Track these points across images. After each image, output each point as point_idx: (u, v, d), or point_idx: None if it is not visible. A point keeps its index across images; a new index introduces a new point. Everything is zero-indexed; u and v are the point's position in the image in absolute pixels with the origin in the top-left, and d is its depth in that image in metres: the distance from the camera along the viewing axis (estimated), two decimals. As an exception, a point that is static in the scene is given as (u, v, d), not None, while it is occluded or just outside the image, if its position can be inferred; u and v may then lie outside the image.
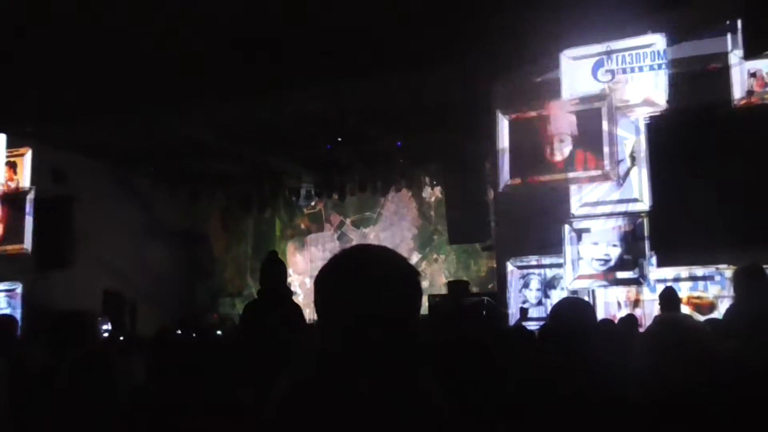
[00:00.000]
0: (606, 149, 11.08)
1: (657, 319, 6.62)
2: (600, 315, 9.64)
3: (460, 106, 11.81)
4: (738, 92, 10.81)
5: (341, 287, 1.72)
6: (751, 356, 3.85)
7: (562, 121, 11.29)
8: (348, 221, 18.27)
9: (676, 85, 10.97)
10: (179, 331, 8.67)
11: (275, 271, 6.10)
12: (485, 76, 11.56)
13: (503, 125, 11.63)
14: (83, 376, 3.66)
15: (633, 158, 11.27)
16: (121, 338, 10.32)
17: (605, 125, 11.10)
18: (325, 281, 1.75)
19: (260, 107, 11.51)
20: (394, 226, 17.87)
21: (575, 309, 3.64)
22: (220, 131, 12.52)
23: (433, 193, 17.33)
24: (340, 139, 12.61)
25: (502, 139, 11.63)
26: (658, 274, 10.85)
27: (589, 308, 3.83)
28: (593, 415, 3.02)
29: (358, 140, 12.54)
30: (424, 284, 12.02)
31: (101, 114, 11.57)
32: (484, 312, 11.35)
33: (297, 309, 5.93)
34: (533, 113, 11.53)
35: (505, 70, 11.58)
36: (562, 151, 11.29)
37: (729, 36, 10.82)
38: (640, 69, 11.21)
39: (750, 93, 10.75)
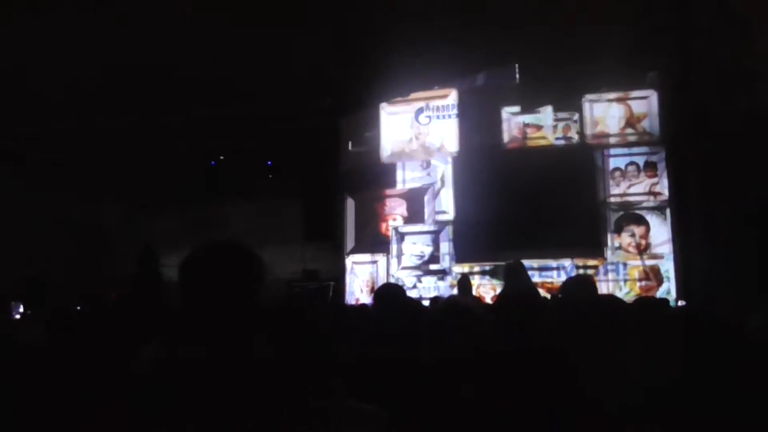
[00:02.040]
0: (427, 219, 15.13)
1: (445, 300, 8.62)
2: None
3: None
4: (507, 137, 14.80)
5: (192, 274, 2.18)
6: (501, 326, 4.25)
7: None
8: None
9: (465, 130, 15.05)
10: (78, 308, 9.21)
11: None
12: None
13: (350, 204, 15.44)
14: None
15: (443, 181, 15.14)
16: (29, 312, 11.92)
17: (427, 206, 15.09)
18: (183, 270, 2.19)
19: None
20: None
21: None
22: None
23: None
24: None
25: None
26: (457, 267, 14.49)
27: None
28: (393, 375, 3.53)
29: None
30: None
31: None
32: (330, 293, 15.07)
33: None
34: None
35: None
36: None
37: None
38: (447, 116, 15.28)
39: (522, 138, 14.84)
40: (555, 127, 14.83)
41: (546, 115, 14.88)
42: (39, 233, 15.99)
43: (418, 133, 15.47)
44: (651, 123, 14.48)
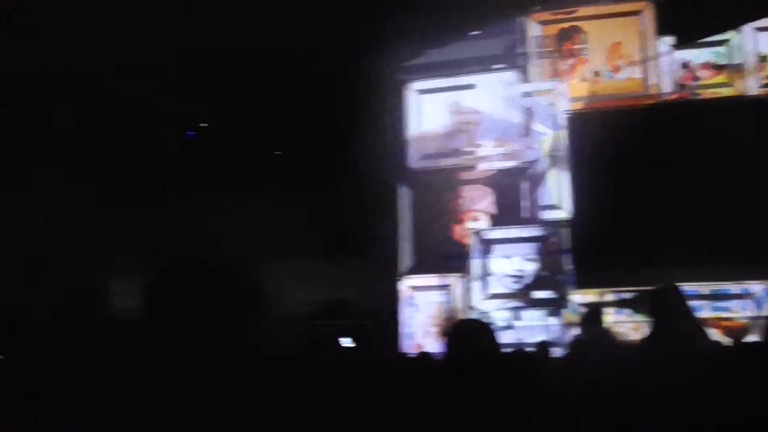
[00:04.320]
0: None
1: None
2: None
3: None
4: (664, 85, 10.77)
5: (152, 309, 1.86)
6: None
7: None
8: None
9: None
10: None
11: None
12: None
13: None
14: None
15: (552, 158, 10.91)
16: None
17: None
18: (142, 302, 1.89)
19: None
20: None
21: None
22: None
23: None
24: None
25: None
26: (578, 295, 10.41)
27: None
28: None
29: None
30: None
31: None
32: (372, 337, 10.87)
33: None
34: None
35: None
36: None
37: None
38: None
39: (691, 85, 10.63)
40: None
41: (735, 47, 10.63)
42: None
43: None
44: None
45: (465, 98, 11.45)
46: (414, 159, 11.54)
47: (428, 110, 11.60)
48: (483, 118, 11.30)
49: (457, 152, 11.35)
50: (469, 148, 11.41)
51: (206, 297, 1.86)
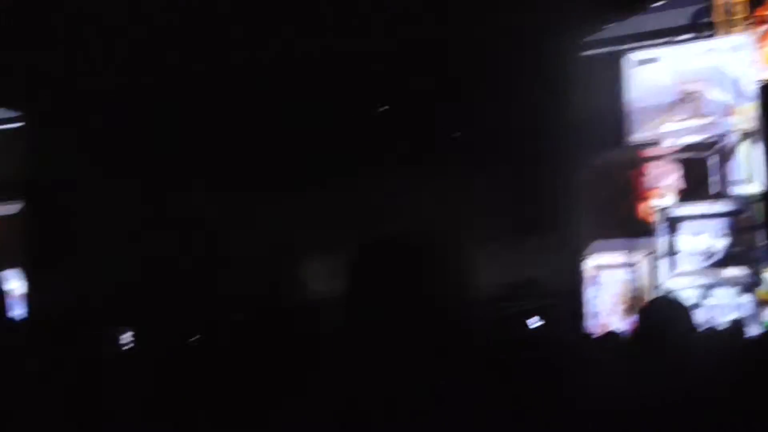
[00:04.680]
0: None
1: None
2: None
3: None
4: None
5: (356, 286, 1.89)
6: None
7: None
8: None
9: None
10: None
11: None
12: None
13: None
14: None
15: (745, 132, 10.43)
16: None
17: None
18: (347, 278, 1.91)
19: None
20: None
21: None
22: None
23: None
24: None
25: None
26: None
27: None
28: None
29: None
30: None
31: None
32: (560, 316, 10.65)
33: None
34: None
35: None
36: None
37: None
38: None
39: None
40: None
41: None
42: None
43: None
44: None
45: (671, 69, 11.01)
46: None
47: (638, 82, 11.24)
48: (701, 87, 10.86)
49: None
50: (687, 120, 10.92)
51: (408, 274, 1.83)
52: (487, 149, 11.35)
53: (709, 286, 10.43)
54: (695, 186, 10.69)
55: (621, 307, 10.82)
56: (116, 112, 11.58)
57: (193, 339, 7.20)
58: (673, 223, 10.72)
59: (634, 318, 3.79)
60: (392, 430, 1.71)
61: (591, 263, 11.20)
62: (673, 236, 10.74)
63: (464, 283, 1.87)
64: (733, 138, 10.48)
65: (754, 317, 9.61)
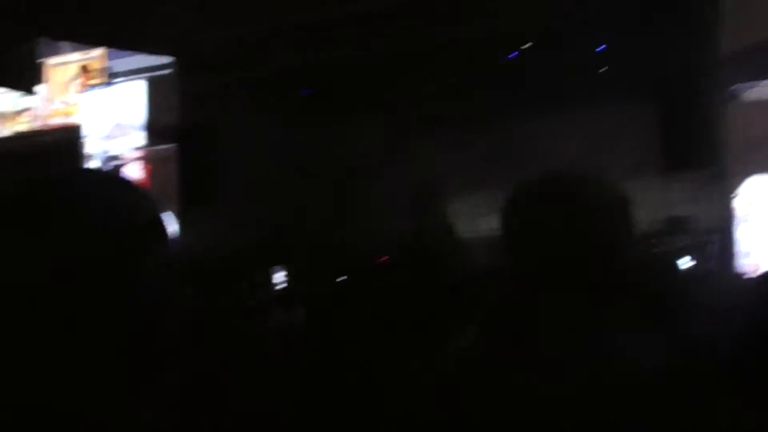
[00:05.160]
0: None
1: None
2: None
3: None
4: None
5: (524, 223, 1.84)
6: None
7: None
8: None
9: None
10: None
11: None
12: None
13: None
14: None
15: None
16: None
17: None
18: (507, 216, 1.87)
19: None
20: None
21: None
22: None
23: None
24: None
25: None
26: None
27: None
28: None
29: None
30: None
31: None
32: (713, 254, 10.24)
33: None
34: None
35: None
36: None
37: None
38: None
39: None
40: None
41: None
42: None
43: None
44: None
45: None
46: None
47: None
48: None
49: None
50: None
51: (563, 213, 1.83)
52: (636, 84, 10.96)
53: None
54: None
55: (775, 246, 10.19)
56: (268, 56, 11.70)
57: (341, 279, 7.45)
58: None
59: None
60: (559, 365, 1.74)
61: (744, 200, 10.56)
62: None
63: (620, 221, 1.90)
64: None
65: None
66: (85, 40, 12.18)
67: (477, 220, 10.18)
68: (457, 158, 11.62)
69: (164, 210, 1.36)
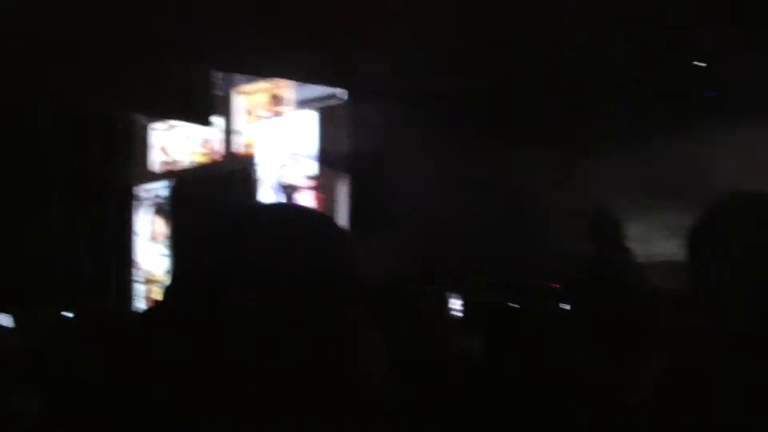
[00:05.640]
0: None
1: None
2: None
3: None
4: None
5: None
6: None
7: None
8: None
9: None
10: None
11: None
12: None
13: None
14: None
15: None
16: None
17: None
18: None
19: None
20: None
21: None
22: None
23: None
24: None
25: None
26: None
27: None
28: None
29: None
30: None
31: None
32: None
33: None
34: None
35: None
36: None
37: None
38: None
39: None
40: None
41: None
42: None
43: None
44: None
45: None
46: None
47: None
48: None
49: None
50: None
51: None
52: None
53: None
54: None
55: None
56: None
57: (512, 304, 7.35)
58: None
59: None
60: None
61: None
62: None
63: None
64: None
65: None
66: (260, 72, 12.59)
67: (655, 244, 9.86)
68: (636, 179, 11.25)
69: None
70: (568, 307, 7.28)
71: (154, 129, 14.73)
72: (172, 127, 14.39)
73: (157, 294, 13.56)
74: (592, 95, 11.44)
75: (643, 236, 10.16)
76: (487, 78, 11.51)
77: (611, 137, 11.72)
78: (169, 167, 14.55)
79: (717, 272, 1.82)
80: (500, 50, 10.72)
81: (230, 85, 13.69)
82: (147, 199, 14.65)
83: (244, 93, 13.70)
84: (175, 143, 14.49)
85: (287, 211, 1.40)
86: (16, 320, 10.57)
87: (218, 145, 13.99)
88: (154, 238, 14.46)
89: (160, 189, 14.56)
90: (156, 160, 14.72)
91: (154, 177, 14.71)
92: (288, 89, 13.07)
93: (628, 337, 4.66)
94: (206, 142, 14.11)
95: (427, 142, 12.18)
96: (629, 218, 10.48)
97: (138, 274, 14.50)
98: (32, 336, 9.11)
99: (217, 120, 13.51)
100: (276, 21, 10.12)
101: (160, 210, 14.51)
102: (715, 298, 1.85)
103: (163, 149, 14.67)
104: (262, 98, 13.48)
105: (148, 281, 14.36)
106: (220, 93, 13.52)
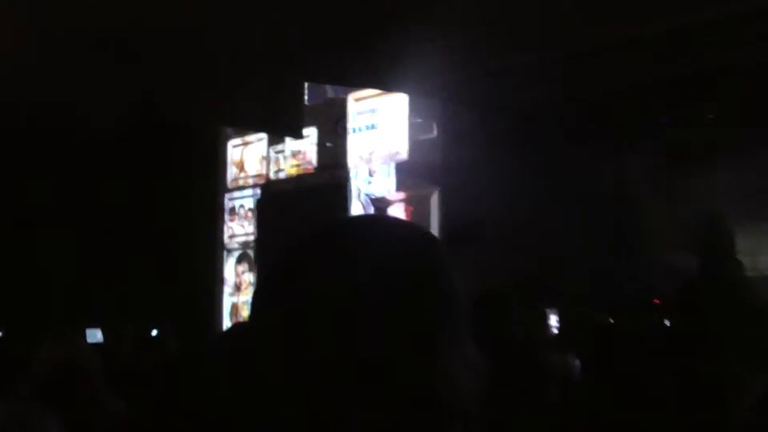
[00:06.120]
0: None
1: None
2: None
3: None
4: None
5: None
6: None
7: None
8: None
9: None
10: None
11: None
12: None
13: None
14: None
15: None
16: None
17: None
18: None
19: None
20: None
21: None
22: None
23: None
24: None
25: None
26: None
27: None
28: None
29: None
30: None
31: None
32: None
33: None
34: None
35: None
36: None
37: None
38: None
39: None
40: None
41: None
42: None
43: None
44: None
45: None
46: None
47: None
48: None
49: None
50: None
51: None
52: None
53: None
54: None
55: None
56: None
57: (609, 322, 7.07)
58: None
59: None
60: None
61: None
62: None
63: None
64: None
65: None
66: (348, 82, 12.52)
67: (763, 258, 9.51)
68: (742, 186, 10.86)
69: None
70: (668, 323, 7.01)
71: (243, 141, 14.84)
72: (260, 139, 14.44)
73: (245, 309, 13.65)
74: (696, 100, 11.13)
75: (753, 249, 9.77)
76: (587, 88, 11.30)
77: (717, 144, 11.34)
78: (258, 179, 14.63)
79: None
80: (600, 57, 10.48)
81: (320, 96, 13.64)
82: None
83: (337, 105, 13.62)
84: (265, 155, 14.55)
85: (385, 225, 1.38)
86: (105, 336, 10.79)
87: (310, 158, 13.96)
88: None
89: (249, 199, 14.68)
90: (246, 172, 14.82)
91: (244, 189, 14.81)
92: (382, 101, 12.94)
93: (743, 350, 4.46)
94: (299, 154, 14.11)
95: (523, 155, 11.99)
96: (739, 231, 10.10)
97: (226, 290, 14.59)
98: (120, 349, 9.22)
99: (310, 132, 13.47)
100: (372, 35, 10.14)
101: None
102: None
103: (253, 161, 14.76)
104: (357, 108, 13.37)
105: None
106: (313, 104, 13.44)
